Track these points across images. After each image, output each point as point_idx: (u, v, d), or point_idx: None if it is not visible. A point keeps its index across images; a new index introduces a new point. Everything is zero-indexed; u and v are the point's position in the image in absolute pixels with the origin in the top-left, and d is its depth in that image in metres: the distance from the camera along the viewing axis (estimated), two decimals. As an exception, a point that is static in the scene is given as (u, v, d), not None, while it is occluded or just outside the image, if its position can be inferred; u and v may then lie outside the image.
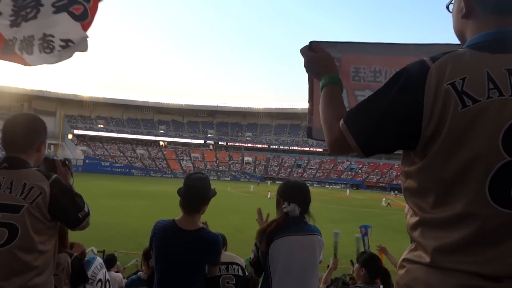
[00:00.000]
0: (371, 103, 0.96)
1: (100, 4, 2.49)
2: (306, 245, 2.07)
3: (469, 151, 0.82)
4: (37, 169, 1.64)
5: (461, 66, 0.86)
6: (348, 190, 54.29)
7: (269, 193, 36.97)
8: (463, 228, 0.82)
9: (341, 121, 0.99)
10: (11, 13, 2.64)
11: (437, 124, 0.84)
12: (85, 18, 2.81)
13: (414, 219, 0.93)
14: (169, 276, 2.19)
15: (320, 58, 1.27)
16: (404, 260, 0.95)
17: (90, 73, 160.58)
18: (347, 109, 1.04)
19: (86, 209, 1.74)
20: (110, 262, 5.31)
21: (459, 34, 1.03)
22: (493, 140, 0.81)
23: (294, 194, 2.16)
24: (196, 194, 2.23)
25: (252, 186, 46.65)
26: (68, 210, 1.66)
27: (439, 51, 0.95)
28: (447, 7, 1.06)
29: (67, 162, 1.90)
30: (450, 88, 0.84)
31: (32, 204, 1.53)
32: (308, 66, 1.30)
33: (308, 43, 1.33)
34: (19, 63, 2.70)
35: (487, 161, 0.81)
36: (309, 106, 1.44)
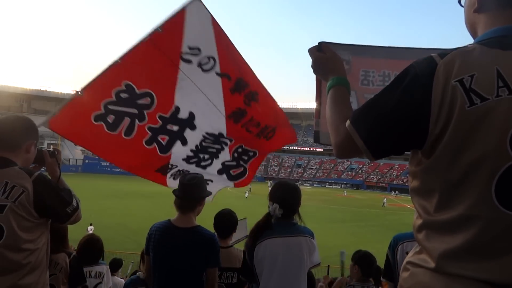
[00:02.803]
0: (378, 102, 0.93)
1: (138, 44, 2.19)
2: (292, 247, 2.04)
3: (475, 151, 0.79)
4: (19, 168, 1.61)
5: (470, 63, 0.83)
6: (345, 191, 53.87)
7: (246, 192, 36.70)
8: (468, 232, 0.80)
9: (348, 122, 0.95)
10: (193, 150, 2.75)
11: (445, 122, 0.82)
12: (240, 177, 3.03)
13: (419, 221, 0.90)
14: (168, 275, 2.18)
15: (328, 59, 1.24)
16: (409, 263, 0.92)
17: (89, 72, 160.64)
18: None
19: (75, 203, 1.72)
20: (114, 266, 5.24)
21: (471, 29, 0.99)
22: (500, 141, 0.78)
23: (278, 194, 2.14)
24: (190, 193, 2.26)
25: (247, 192, 37.12)
26: (54, 206, 1.64)
27: None
28: (459, 2, 1.03)
29: (55, 152, 1.87)
30: (457, 85, 0.81)
31: (15, 203, 1.51)
32: (316, 67, 1.27)
33: (317, 44, 1.30)
34: (157, 182, 2.87)
35: (493, 162, 0.78)
36: (316, 109, 1.39)
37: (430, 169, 0.86)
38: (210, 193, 2.36)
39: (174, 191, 2.30)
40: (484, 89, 0.80)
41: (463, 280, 0.79)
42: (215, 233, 2.31)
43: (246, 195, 35.76)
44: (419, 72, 0.86)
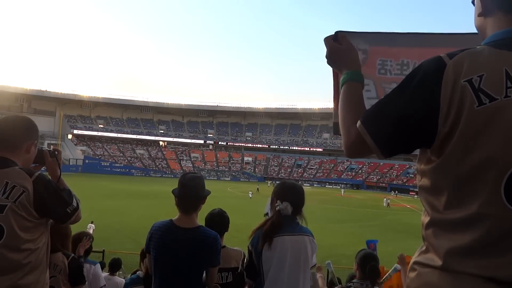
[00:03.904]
0: (388, 102, 0.94)
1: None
2: (298, 244, 2.07)
3: (484, 150, 0.80)
4: (19, 168, 1.61)
5: (479, 63, 0.84)
6: (342, 190, 53.17)
7: (250, 192, 36.88)
8: (476, 230, 0.80)
9: (358, 122, 0.97)
10: None
11: (454, 122, 0.83)
12: None
13: (427, 218, 0.92)
14: (169, 275, 2.18)
15: (343, 50, 1.22)
16: (415, 263, 0.93)
17: (89, 72, 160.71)
18: (375, 99, 1.02)
19: (75, 203, 1.72)
20: (114, 266, 5.25)
21: (480, 31, 1.02)
22: (509, 140, 0.79)
23: (287, 193, 2.19)
24: (192, 193, 2.25)
25: (251, 192, 37.46)
26: (55, 207, 1.64)
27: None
28: (473, 1, 1.05)
29: (56, 152, 1.87)
30: (467, 85, 0.82)
31: (16, 203, 1.52)
32: (330, 58, 1.25)
33: (333, 33, 1.27)
34: None
35: (503, 162, 0.79)
36: (334, 101, 1.36)
37: (440, 167, 0.87)
38: (209, 192, 2.35)
39: (173, 191, 2.28)
40: (493, 89, 0.81)
41: (470, 278, 0.80)
42: (218, 233, 2.31)
43: (250, 195, 35.83)
44: (428, 72, 0.88)
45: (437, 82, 0.85)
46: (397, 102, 0.91)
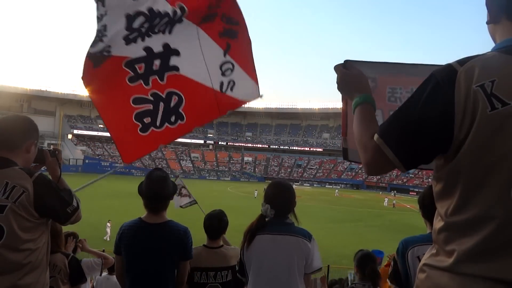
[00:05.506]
0: (403, 113, 0.95)
1: None
2: (280, 244, 2.03)
3: (495, 154, 0.81)
4: (20, 168, 1.61)
5: (490, 69, 0.86)
6: (336, 191, 52.61)
7: (255, 191, 37.06)
8: (485, 232, 0.81)
9: (376, 136, 0.97)
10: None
11: (468, 127, 0.84)
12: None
13: (440, 223, 0.92)
14: (142, 272, 2.19)
15: (353, 76, 1.26)
16: (425, 265, 0.94)
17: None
18: None
19: (75, 203, 1.72)
20: (113, 266, 5.24)
21: (492, 37, 1.03)
22: None
23: (270, 194, 2.16)
24: (159, 196, 2.29)
25: (256, 191, 37.92)
26: (55, 207, 1.64)
27: None
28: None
29: (56, 152, 1.87)
30: (479, 90, 0.83)
31: (16, 203, 1.52)
32: (341, 83, 1.28)
33: (343, 61, 1.31)
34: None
35: None
36: (342, 127, 1.41)
37: (452, 172, 0.88)
38: (175, 188, 2.37)
39: (140, 193, 2.31)
40: (505, 94, 0.82)
41: (479, 280, 0.80)
42: (187, 227, 2.32)
43: (255, 194, 35.90)
44: (440, 80, 0.89)
45: (450, 90, 0.86)
46: (413, 112, 0.91)
